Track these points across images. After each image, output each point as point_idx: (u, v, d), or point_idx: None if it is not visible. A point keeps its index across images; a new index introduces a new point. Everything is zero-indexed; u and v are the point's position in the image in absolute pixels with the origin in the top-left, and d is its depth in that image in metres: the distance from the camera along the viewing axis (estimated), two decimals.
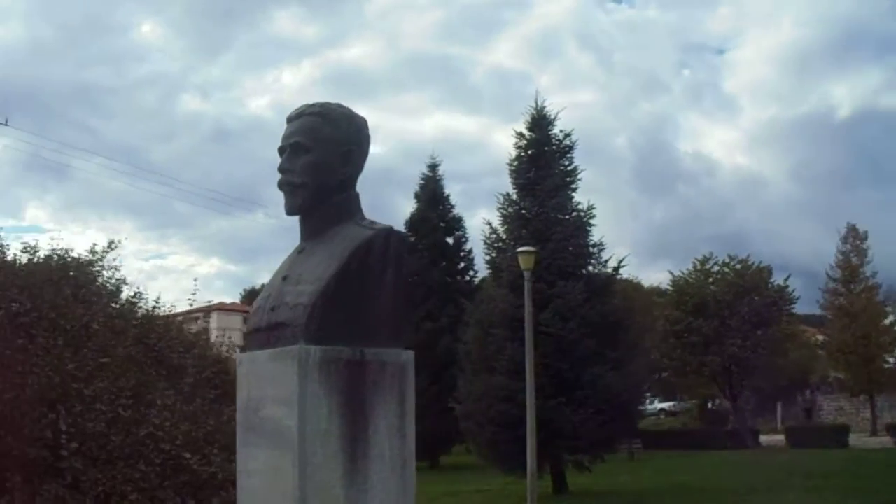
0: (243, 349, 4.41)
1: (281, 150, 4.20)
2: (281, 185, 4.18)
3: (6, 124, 29.67)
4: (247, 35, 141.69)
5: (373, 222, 4.16)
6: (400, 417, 3.99)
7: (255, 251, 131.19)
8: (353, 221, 4.12)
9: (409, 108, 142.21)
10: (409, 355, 4.09)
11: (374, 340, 3.96)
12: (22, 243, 11.99)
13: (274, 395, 3.93)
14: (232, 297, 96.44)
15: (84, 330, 9.60)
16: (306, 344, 3.82)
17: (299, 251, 4.23)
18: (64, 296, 10.20)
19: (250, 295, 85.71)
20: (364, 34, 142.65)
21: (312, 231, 4.19)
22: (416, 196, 38.13)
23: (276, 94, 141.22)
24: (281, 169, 4.17)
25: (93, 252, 12.65)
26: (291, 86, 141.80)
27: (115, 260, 13.21)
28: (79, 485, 7.61)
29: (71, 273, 11.68)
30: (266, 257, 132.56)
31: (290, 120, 4.24)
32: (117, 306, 12.68)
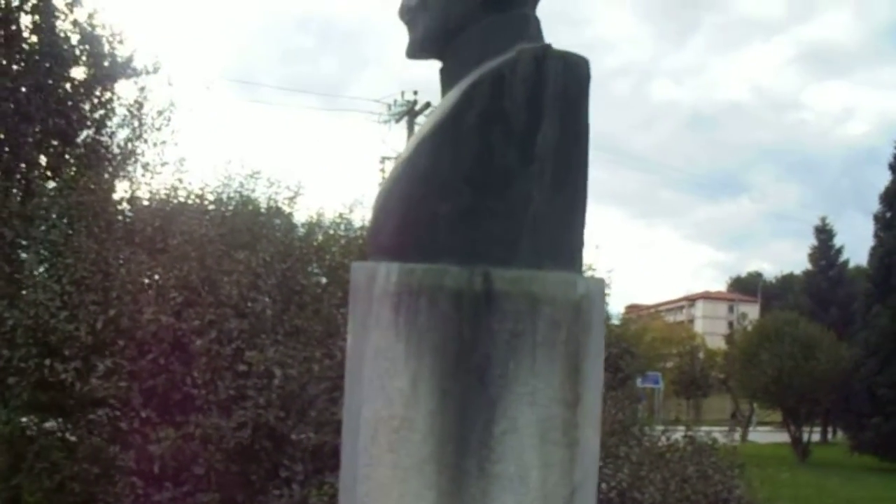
0: None
1: None
2: (400, 16, 2.52)
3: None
4: (714, 17, 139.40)
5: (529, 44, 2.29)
6: (569, 407, 2.08)
7: (742, 238, 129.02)
8: (503, 55, 2.28)
9: (889, 81, 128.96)
10: (592, 286, 2.16)
11: (513, 256, 2.11)
12: None
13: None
14: (719, 285, 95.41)
15: None
16: (376, 259, 2.11)
17: (426, 115, 2.50)
18: None
19: (736, 283, 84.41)
20: (832, 6, 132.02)
21: (447, 80, 2.44)
22: (891, 167, 33.30)
23: (750, 75, 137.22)
24: None
25: None
26: (765, 66, 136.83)
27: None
28: None
29: None
30: (753, 244, 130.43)
31: None
32: None
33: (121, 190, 8.85)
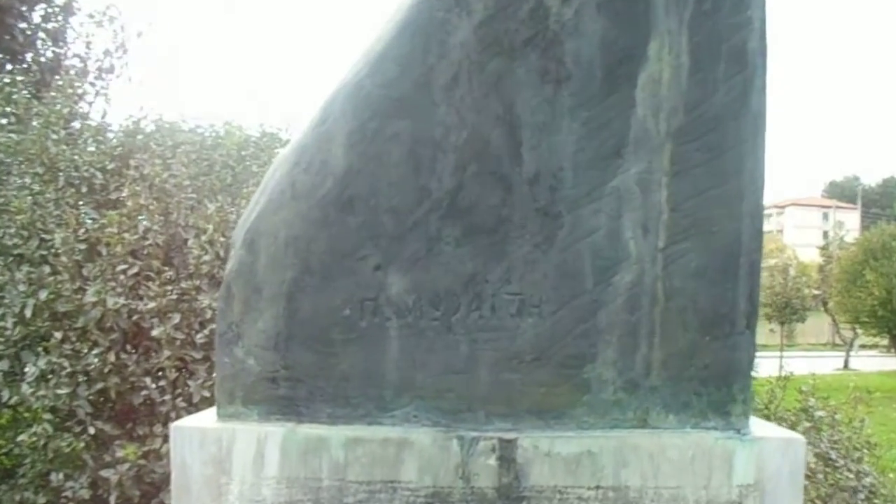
0: None
1: None
2: None
3: None
4: None
5: None
6: None
7: (835, 140, 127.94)
8: None
9: None
10: (771, 459, 0.96)
11: (576, 396, 0.92)
12: None
13: None
14: (811, 191, 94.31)
15: None
16: (229, 414, 0.94)
17: None
18: None
19: (832, 189, 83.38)
20: None
21: None
22: None
23: None
24: None
25: None
26: None
27: None
28: None
29: None
30: (848, 146, 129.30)
31: None
32: None
33: (96, 114, 7.71)
